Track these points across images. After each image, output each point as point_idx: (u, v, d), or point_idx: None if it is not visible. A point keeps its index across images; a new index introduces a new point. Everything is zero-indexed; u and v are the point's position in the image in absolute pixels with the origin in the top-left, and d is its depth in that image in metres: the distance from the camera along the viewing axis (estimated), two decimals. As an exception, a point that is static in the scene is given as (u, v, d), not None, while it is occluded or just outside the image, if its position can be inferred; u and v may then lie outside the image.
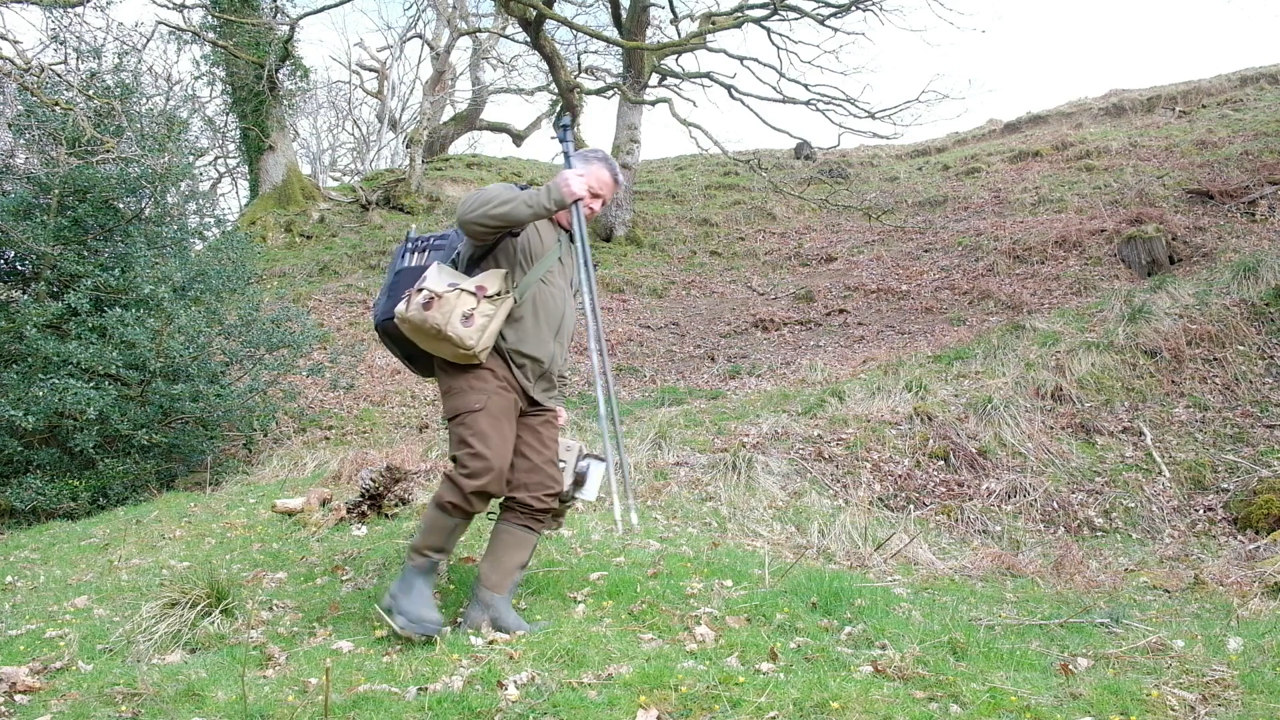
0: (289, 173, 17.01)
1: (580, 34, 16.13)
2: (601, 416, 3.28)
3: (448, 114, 20.45)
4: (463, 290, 3.00)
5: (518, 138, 20.17)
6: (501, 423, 3.06)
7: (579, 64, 17.72)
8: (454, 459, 3.07)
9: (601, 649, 2.79)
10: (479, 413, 3.03)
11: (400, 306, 3.05)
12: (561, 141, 3.36)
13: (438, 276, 3.07)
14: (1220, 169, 13.74)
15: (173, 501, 6.45)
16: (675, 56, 17.07)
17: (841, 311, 12.35)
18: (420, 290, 3.01)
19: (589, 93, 16.09)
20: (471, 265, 3.17)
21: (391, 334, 3.22)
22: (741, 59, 16.53)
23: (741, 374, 10.04)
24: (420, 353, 3.19)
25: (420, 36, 19.62)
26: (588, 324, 3.30)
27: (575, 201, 3.11)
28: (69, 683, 2.80)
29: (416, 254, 3.34)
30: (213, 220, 9.79)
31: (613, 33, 15.79)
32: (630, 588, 3.46)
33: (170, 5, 12.46)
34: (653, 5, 16.50)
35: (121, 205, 8.24)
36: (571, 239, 3.28)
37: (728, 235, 16.42)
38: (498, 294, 3.05)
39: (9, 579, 4.62)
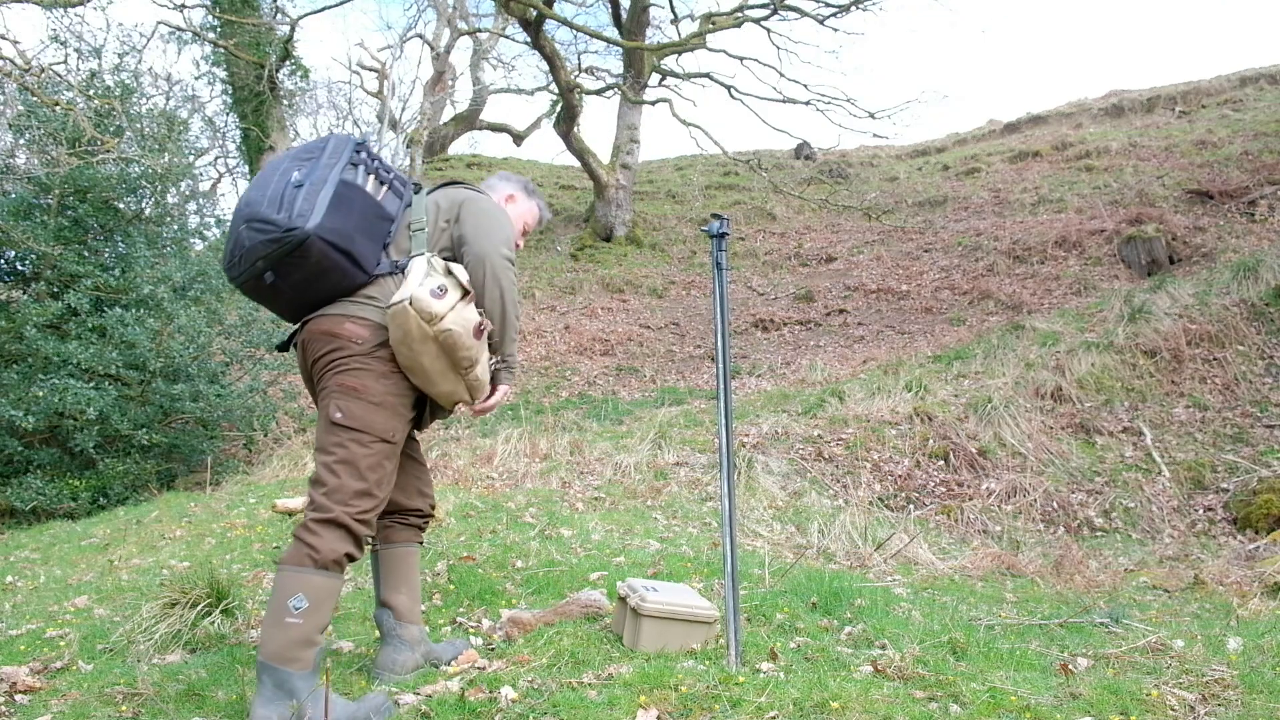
0: (289, 173, 16.96)
1: (580, 34, 16.12)
2: None
3: (448, 114, 20.44)
4: (488, 328, 2.43)
5: (518, 138, 20.16)
6: (396, 460, 2.50)
7: (579, 64, 17.71)
8: (319, 488, 2.34)
9: (601, 649, 2.79)
10: (390, 445, 2.43)
11: (435, 302, 2.27)
12: None
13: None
14: (1220, 169, 13.73)
15: (173, 501, 6.44)
16: (675, 56, 17.07)
17: (841, 311, 12.35)
18: (468, 295, 2.35)
19: (589, 93, 16.09)
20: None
21: (313, 251, 2.25)
22: (741, 59, 16.55)
23: (742, 374, 10.04)
24: (313, 292, 2.36)
25: (420, 36, 19.61)
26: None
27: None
28: (69, 683, 2.80)
29: (375, 180, 2.44)
30: (213, 220, 9.82)
31: (613, 33, 15.80)
32: (630, 588, 3.45)
33: (170, 5, 12.43)
34: (653, 5, 16.51)
35: (121, 205, 8.24)
36: None
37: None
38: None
39: (9, 579, 4.62)
